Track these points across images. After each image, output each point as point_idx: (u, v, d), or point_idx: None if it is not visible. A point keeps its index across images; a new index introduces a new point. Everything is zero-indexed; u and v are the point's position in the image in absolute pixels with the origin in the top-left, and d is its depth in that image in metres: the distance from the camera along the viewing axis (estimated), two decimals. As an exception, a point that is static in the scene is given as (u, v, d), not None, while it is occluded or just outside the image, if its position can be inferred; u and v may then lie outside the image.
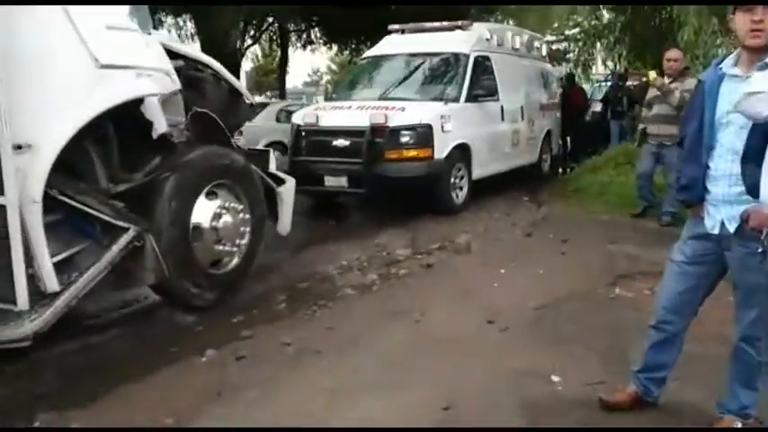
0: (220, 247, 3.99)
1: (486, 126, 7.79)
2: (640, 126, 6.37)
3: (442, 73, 7.73)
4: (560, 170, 10.47)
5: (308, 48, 19.27)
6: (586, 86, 13.78)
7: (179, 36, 15.50)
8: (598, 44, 10.13)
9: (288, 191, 4.62)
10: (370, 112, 6.82)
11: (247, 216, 4.19)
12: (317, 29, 18.42)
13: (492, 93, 7.86)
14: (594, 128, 13.11)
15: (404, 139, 6.63)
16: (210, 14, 13.06)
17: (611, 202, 7.09)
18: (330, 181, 6.88)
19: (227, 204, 4.02)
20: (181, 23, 15.52)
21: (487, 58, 8.10)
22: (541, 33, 20.82)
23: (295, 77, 42.31)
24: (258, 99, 33.73)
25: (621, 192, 7.28)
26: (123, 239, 3.17)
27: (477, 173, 7.59)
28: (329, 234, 6.36)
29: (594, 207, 7.07)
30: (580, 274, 4.60)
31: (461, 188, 7.31)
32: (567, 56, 17.24)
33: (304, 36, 18.74)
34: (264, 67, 32.54)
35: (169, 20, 14.97)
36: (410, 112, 6.78)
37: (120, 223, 3.17)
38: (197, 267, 3.82)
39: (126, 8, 3.33)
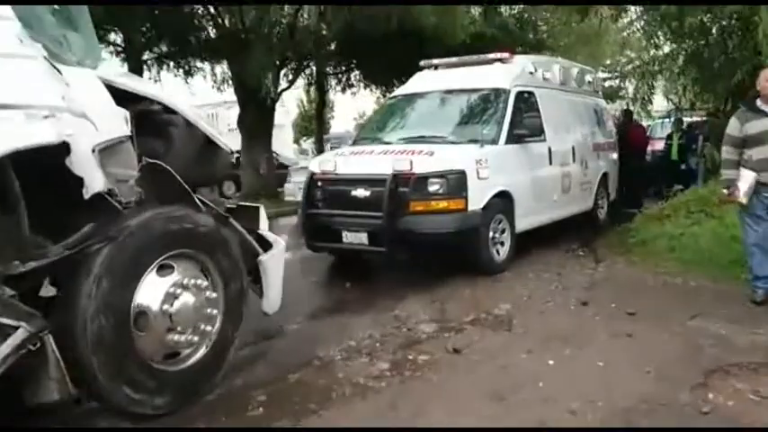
0: (176, 337, 3.08)
1: (531, 170, 6.76)
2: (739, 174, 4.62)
3: (478, 112, 6.78)
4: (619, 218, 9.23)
5: (349, 91, 18.74)
6: (645, 123, 12.59)
7: (214, 81, 15.20)
8: (659, 76, 8.98)
9: (274, 258, 3.71)
10: (393, 157, 5.91)
11: (215, 294, 3.29)
12: (357, 71, 17.89)
13: (537, 132, 6.86)
14: (656, 169, 11.91)
15: (432, 188, 5.67)
16: (243, 58, 12.62)
17: (685, 260, 5.89)
18: (348, 237, 5.96)
19: (185, 281, 3.13)
20: (217, 69, 15.20)
21: (531, 94, 7.13)
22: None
23: (345, 121, 42.15)
24: (305, 144, 33.63)
25: (698, 247, 6.07)
26: (9, 342, 2.30)
27: (522, 225, 6.54)
28: (343, 300, 5.40)
29: (664, 266, 5.88)
30: (655, 369, 3.46)
31: (502, 243, 6.26)
32: (621, 92, 16.09)
33: (343, 79, 18.24)
34: (309, 113, 32.50)
35: (204, 65, 14.67)
36: (440, 156, 5.84)
37: (5, 320, 2.31)
38: (140, 365, 2.92)
39: (16, 29, 2.54)
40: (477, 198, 5.83)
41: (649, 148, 11.98)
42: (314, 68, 16.32)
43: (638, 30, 9.31)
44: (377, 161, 6.03)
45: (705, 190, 7.45)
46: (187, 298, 3.13)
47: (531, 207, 6.70)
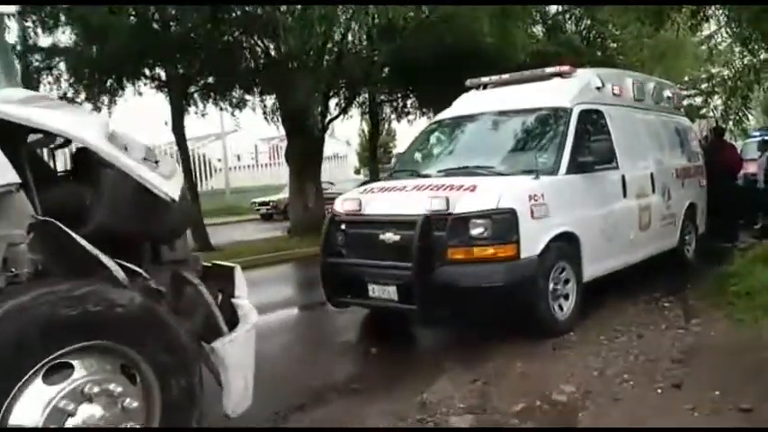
0: (69, 471, 2.14)
1: (601, 205, 5.57)
2: None
3: (533, 136, 5.66)
4: (711, 257, 7.74)
5: (405, 119, 17.86)
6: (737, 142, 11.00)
7: (264, 113, 14.62)
8: (755, 87, 7.55)
9: (236, 344, 2.71)
10: (427, 194, 4.89)
11: (137, 403, 2.33)
12: (412, 98, 17.02)
13: (607, 159, 5.67)
14: (749, 195, 10.26)
15: (475, 232, 4.59)
16: (288, 87, 12.03)
17: (811, 322, 4.51)
18: (375, 291, 4.96)
19: (87, 387, 2.19)
20: (268, 101, 14.61)
21: (599, 114, 5.95)
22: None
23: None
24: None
25: (826, 303, 4.67)
26: None
27: (590, 272, 5.34)
28: (362, 375, 4.37)
29: (783, 328, 4.52)
30: None
31: (566, 296, 5.08)
32: (702, 111, 14.39)
33: (399, 106, 17.38)
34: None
35: (252, 97, 14.10)
36: (484, 192, 4.76)
37: None
38: None
39: None
40: (533, 242, 4.70)
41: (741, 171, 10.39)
42: (366, 96, 15.54)
43: (727, 36, 7.92)
44: (409, 199, 5.02)
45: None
46: (91, 411, 2.19)
47: (601, 250, 5.50)
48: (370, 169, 17.99)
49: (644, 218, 6.28)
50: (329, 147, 35.46)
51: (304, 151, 13.45)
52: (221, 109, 13.60)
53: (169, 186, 2.61)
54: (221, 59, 11.76)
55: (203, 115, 13.66)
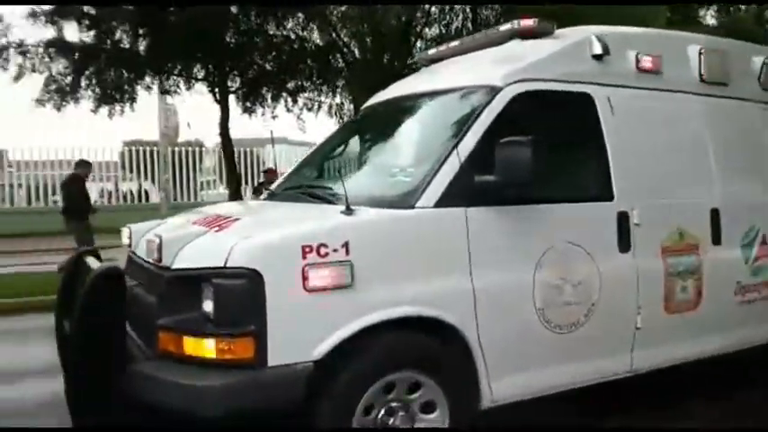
0: None
1: (540, 268, 2.96)
2: None
3: (426, 136, 3.25)
4: None
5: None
6: None
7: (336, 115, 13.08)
8: None
9: None
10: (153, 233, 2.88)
11: None
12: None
13: (586, 183, 3.08)
14: None
15: (207, 306, 2.45)
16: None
17: None
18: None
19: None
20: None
21: (584, 100, 3.31)
22: None
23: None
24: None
25: None
26: None
27: (506, 390, 2.88)
28: None
29: None
30: None
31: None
32: None
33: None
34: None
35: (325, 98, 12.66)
36: (223, 234, 2.61)
37: None
38: None
39: None
40: (302, 335, 2.43)
41: None
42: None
43: None
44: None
45: None
46: None
47: (540, 350, 2.96)
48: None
49: (680, 289, 3.46)
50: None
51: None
52: (288, 110, 12.33)
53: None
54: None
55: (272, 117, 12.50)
